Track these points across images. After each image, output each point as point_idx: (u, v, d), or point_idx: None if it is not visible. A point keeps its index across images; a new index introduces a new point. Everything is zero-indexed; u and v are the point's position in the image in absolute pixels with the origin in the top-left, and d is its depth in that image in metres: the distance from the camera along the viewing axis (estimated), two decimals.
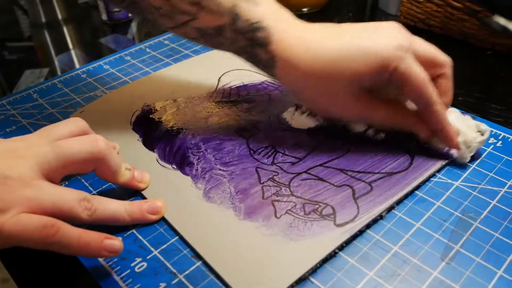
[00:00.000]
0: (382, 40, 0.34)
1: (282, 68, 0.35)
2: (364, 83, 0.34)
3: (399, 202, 0.33)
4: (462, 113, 0.39)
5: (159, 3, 0.36)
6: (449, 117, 0.36)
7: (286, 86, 0.38)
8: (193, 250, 0.31)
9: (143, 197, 0.35)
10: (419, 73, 0.34)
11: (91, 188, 0.36)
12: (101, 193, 0.36)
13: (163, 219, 0.33)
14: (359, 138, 0.39)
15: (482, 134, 0.36)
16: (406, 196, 0.34)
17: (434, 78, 0.36)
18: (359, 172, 0.36)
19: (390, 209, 0.33)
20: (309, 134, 0.40)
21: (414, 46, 0.34)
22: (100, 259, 0.30)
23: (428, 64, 0.35)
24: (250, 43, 0.35)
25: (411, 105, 0.37)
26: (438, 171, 0.36)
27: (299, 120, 0.41)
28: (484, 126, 0.37)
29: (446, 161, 0.36)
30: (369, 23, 0.36)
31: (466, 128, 0.36)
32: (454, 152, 0.36)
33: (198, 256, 0.30)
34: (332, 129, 0.40)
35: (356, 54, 0.33)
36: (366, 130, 0.39)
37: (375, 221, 0.32)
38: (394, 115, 0.37)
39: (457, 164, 0.37)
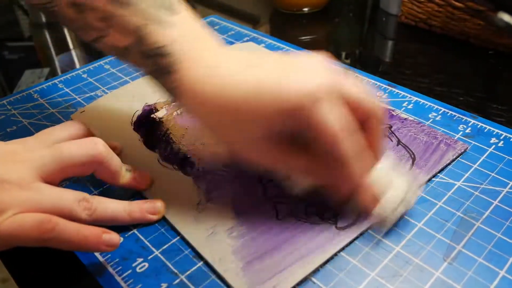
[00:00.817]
0: (298, 80, 0.28)
1: (188, 101, 0.31)
2: (276, 128, 0.29)
3: None
4: (396, 162, 0.34)
5: (73, 16, 0.32)
6: (376, 170, 0.31)
7: (196, 119, 0.32)
8: (194, 250, 0.31)
9: (144, 198, 0.35)
10: (333, 124, 0.28)
11: (91, 188, 0.36)
12: (102, 194, 0.36)
13: (164, 219, 0.33)
14: None
15: (414, 192, 0.32)
16: None
17: (365, 127, 0.31)
18: None
19: None
20: None
21: (341, 88, 0.29)
22: (101, 259, 0.30)
23: (358, 110, 0.30)
24: (156, 68, 0.31)
25: None
26: (441, 171, 0.36)
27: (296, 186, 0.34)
28: (420, 179, 0.33)
29: (449, 160, 0.36)
30: (295, 54, 0.31)
31: (396, 184, 0.31)
32: (368, 218, 0.31)
33: (200, 257, 0.30)
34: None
35: (267, 95, 0.28)
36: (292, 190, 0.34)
37: None
38: (314, 166, 0.31)
39: (460, 164, 0.37)
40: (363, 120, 0.30)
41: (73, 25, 0.34)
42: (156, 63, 0.31)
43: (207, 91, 0.30)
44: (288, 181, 0.34)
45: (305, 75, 0.29)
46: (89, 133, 0.34)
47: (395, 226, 0.31)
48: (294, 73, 0.29)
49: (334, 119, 0.28)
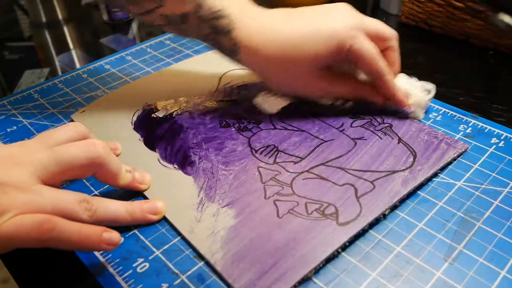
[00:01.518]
0: (336, 22, 0.38)
1: (245, 54, 0.38)
2: (324, 63, 0.39)
3: (402, 200, 0.33)
4: (410, 77, 0.43)
5: None
6: (398, 82, 0.41)
7: (252, 70, 0.41)
8: (195, 250, 0.31)
9: (145, 198, 0.35)
10: (370, 49, 0.38)
11: (92, 188, 0.36)
12: (102, 194, 0.36)
13: (164, 219, 0.33)
14: (360, 136, 0.39)
15: (429, 92, 0.42)
16: (409, 195, 0.34)
17: (383, 51, 0.40)
18: (361, 170, 0.35)
19: (393, 208, 0.33)
20: (311, 133, 0.40)
21: (364, 25, 0.39)
22: (102, 259, 0.30)
23: (377, 38, 0.39)
24: (213, 30, 0.38)
25: (364, 77, 0.42)
26: (442, 169, 0.36)
27: (270, 102, 0.43)
28: (429, 85, 0.42)
29: (450, 158, 0.36)
30: (321, 6, 0.40)
31: (414, 90, 0.42)
32: (408, 110, 0.41)
33: (200, 257, 0.30)
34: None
35: (314, 37, 0.37)
36: (333, 103, 0.43)
37: (377, 220, 0.32)
38: (353, 88, 0.41)
39: (460, 164, 0.37)
40: (383, 45, 0.40)
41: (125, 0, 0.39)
42: (213, 26, 0.38)
43: (260, 45, 0.38)
44: (335, 102, 0.43)
45: (340, 18, 0.38)
46: (89, 135, 0.34)
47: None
48: (331, 18, 0.38)
49: (369, 47, 0.38)
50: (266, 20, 0.39)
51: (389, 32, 0.40)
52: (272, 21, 0.38)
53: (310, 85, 0.41)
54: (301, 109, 0.43)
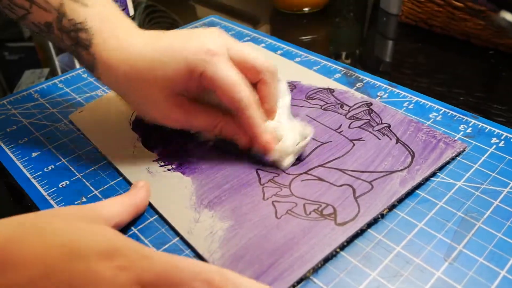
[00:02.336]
0: (192, 44, 0.34)
1: (103, 70, 0.35)
2: (177, 88, 0.35)
3: (401, 200, 0.33)
4: (291, 116, 0.38)
5: None
6: (273, 121, 0.36)
7: (111, 88, 0.38)
8: (194, 250, 0.30)
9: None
10: (228, 76, 0.34)
11: (92, 188, 0.36)
12: (102, 194, 0.36)
13: (163, 219, 0.33)
14: (358, 137, 0.39)
15: (304, 138, 0.36)
16: (407, 195, 0.34)
17: (255, 84, 0.36)
18: (359, 171, 0.35)
19: (391, 207, 0.33)
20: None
21: (230, 50, 0.35)
22: None
23: (246, 69, 0.35)
24: (74, 43, 0.35)
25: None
26: (440, 169, 0.36)
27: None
28: (307, 130, 0.36)
29: (448, 158, 0.36)
30: (192, 29, 0.36)
31: (290, 133, 0.36)
32: (269, 157, 0.36)
33: (199, 257, 0.30)
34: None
35: (166, 58, 0.34)
36: (206, 139, 0.39)
37: (376, 220, 0.32)
38: (214, 122, 0.37)
39: (460, 164, 0.37)
40: (255, 77, 0.35)
41: (0, 4, 0.37)
42: (74, 38, 0.35)
43: (116, 61, 0.34)
44: (198, 134, 0.39)
45: (199, 41, 0.34)
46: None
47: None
48: (189, 41, 0.34)
49: (228, 73, 0.34)
50: (129, 38, 0.35)
51: (260, 64, 0.35)
52: (135, 40, 0.35)
53: (164, 112, 0.36)
54: (299, 112, 0.43)
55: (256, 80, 0.36)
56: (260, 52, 0.37)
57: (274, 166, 0.36)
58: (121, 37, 0.35)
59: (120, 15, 0.37)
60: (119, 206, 0.31)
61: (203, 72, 0.33)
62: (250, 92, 0.34)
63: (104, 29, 0.35)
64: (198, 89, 0.35)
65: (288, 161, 0.36)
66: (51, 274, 0.22)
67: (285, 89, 0.38)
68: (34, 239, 0.23)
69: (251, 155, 0.37)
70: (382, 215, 0.32)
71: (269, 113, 0.36)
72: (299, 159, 0.37)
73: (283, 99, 0.38)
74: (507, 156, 0.37)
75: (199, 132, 0.39)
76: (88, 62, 0.36)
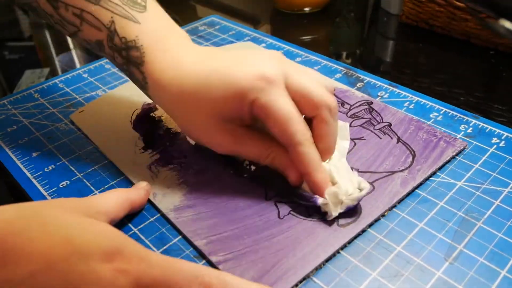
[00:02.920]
0: (246, 68, 0.31)
1: (154, 89, 0.34)
2: (224, 113, 0.32)
3: (400, 200, 0.33)
4: (351, 168, 0.35)
5: (50, 11, 0.35)
6: (330, 164, 0.33)
7: (162, 108, 0.35)
8: (196, 249, 0.30)
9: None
10: (281, 108, 0.30)
11: (92, 188, 0.36)
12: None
13: (165, 218, 0.33)
14: (359, 136, 0.39)
15: (360, 191, 0.32)
16: (408, 195, 0.34)
17: (313, 120, 0.32)
18: (361, 172, 0.35)
19: (392, 207, 0.33)
20: None
21: (288, 80, 0.31)
22: None
23: (304, 101, 0.32)
24: (126, 61, 0.34)
25: None
26: (440, 169, 0.36)
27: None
28: (364, 184, 0.32)
29: (449, 157, 0.36)
30: (251, 49, 0.34)
31: (345, 180, 0.32)
32: (319, 200, 0.31)
33: (201, 256, 0.30)
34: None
35: (215, 81, 0.31)
36: (249, 165, 0.36)
37: (377, 220, 0.32)
38: (266, 152, 0.33)
39: (461, 164, 0.37)
40: (312, 112, 0.32)
41: (52, 20, 0.36)
42: (126, 56, 0.34)
43: (168, 80, 0.33)
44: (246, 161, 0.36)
45: (254, 64, 0.31)
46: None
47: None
48: (244, 63, 0.32)
49: (283, 102, 0.31)
50: (181, 56, 0.33)
51: (319, 98, 0.31)
52: (187, 58, 0.33)
53: (212, 136, 0.34)
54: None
55: (313, 115, 0.32)
56: (322, 82, 0.33)
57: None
58: (174, 56, 0.33)
59: (173, 29, 0.35)
60: (115, 201, 0.31)
61: (255, 100, 0.31)
62: (305, 127, 0.31)
63: (156, 47, 0.33)
64: (249, 117, 0.32)
65: (337, 209, 0.31)
66: (52, 270, 0.22)
67: (345, 133, 0.36)
68: (37, 233, 0.23)
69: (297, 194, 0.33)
70: (383, 216, 0.32)
71: (324, 154, 0.33)
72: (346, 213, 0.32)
73: (342, 143, 0.35)
74: (507, 156, 0.37)
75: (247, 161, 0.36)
76: (140, 81, 0.35)
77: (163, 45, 0.34)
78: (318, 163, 0.32)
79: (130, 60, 0.34)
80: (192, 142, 0.39)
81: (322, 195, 0.31)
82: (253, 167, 0.36)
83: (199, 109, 0.32)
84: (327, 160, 0.33)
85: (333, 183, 0.32)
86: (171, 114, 0.35)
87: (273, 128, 0.31)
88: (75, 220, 0.25)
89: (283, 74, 0.31)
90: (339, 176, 0.32)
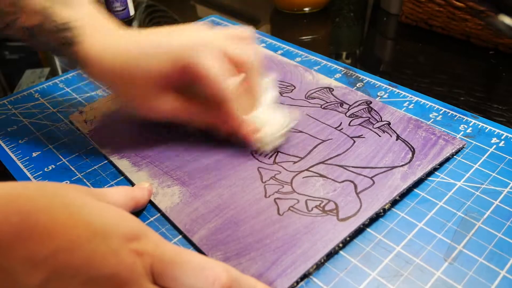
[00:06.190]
0: (179, 38, 0.35)
1: (91, 67, 0.36)
2: (162, 80, 0.36)
3: (400, 198, 0.33)
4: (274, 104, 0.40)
5: None
6: (258, 112, 0.38)
7: (100, 84, 0.39)
8: (197, 248, 0.31)
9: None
10: (211, 68, 0.34)
11: (92, 188, 0.36)
12: None
13: (165, 218, 0.33)
14: (359, 134, 0.39)
15: (286, 127, 0.38)
16: (407, 194, 0.34)
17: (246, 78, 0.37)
18: (360, 167, 0.36)
19: (393, 203, 0.33)
20: (310, 134, 0.40)
21: (221, 46, 0.36)
22: None
23: (232, 63, 0.36)
24: (62, 41, 0.36)
25: None
26: (440, 165, 0.36)
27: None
28: (288, 120, 0.38)
29: (448, 154, 0.36)
30: (177, 26, 0.37)
31: (269, 123, 0.37)
32: (250, 147, 0.38)
33: (202, 254, 0.30)
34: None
35: (151, 52, 0.35)
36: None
37: (376, 220, 0.32)
38: (197, 112, 0.38)
39: (460, 164, 0.37)
40: (240, 72, 0.36)
41: None
42: (62, 37, 0.36)
43: (104, 57, 0.35)
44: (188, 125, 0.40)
45: (187, 35, 0.36)
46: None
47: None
48: (177, 35, 0.36)
49: (211, 65, 0.34)
50: (115, 35, 0.36)
51: (240, 58, 0.36)
52: (121, 37, 0.36)
53: (150, 104, 0.37)
54: (299, 111, 0.43)
55: (239, 73, 0.37)
56: (250, 47, 0.37)
57: (276, 164, 0.37)
58: (108, 35, 0.36)
59: (103, 15, 0.38)
60: (123, 197, 0.32)
61: (187, 64, 0.35)
62: (233, 84, 0.35)
63: (90, 28, 0.36)
64: (179, 81, 0.36)
65: (267, 149, 0.38)
66: (74, 250, 0.22)
67: (269, 85, 0.40)
68: (60, 212, 0.23)
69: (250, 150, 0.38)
70: (383, 210, 0.32)
71: (250, 105, 0.38)
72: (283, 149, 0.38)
73: (267, 94, 0.39)
74: (507, 156, 0.37)
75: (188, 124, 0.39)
76: (78, 60, 0.36)
77: (97, 27, 0.37)
78: (242, 117, 0.37)
79: (66, 41, 0.36)
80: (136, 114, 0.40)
81: (252, 145, 0.37)
82: (191, 138, 0.40)
83: (136, 80, 0.36)
84: (255, 110, 0.38)
85: (259, 130, 0.37)
86: (111, 88, 0.38)
87: (204, 87, 0.35)
88: (95, 203, 0.26)
89: (212, 40, 0.36)
90: (264, 121, 0.37)
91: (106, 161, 0.39)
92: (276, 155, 0.38)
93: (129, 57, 0.35)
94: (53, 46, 0.37)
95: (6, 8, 0.36)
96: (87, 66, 0.36)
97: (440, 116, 0.42)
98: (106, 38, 0.36)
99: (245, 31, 0.38)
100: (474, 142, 0.39)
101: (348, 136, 0.39)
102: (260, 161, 0.37)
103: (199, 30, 0.37)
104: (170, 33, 0.36)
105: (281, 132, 0.38)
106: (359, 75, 0.49)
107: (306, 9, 0.68)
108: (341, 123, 0.41)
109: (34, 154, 0.40)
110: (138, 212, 0.34)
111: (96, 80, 0.37)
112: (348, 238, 0.30)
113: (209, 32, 0.37)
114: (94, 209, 0.25)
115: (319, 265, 0.29)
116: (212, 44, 0.35)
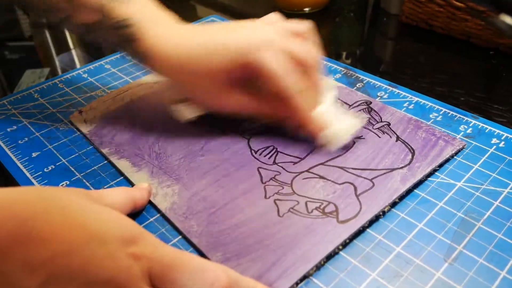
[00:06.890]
0: (243, 35, 0.35)
1: (155, 62, 0.36)
2: (223, 77, 0.36)
3: (401, 199, 0.33)
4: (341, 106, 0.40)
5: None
6: (323, 110, 0.37)
7: (165, 78, 0.39)
8: (196, 249, 0.31)
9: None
10: (275, 66, 0.34)
11: (92, 188, 0.36)
12: None
13: (165, 218, 0.33)
14: (358, 135, 0.39)
15: (354, 127, 0.38)
16: (407, 194, 0.34)
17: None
18: (360, 169, 0.35)
19: (392, 205, 0.33)
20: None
21: (286, 45, 0.35)
22: None
23: (300, 62, 0.36)
24: (122, 38, 0.36)
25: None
26: (440, 167, 0.36)
27: (186, 111, 0.41)
28: (356, 120, 0.38)
29: (448, 155, 0.36)
30: (248, 21, 0.37)
31: (338, 121, 0.37)
32: (317, 142, 0.38)
33: (202, 255, 0.30)
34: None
35: (213, 49, 0.35)
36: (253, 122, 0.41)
37: (377, 220, 0.32)
38: (265, 108, 0.38)
39: (460, 165, 0.37)
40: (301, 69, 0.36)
41: (41, 7, 0.38)
42: (122, 34, 0.36)
43: (168, 52, 0.36)
44: (250, 120, 0.41)
45: (251, 32, 0.36)
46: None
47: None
48: (241, 32, 0.36)
49: (275, 62, 0.35)
50: (176, 30, 0.37)
51: (300, 56, 0.36)
52: (183, 32, 0.37)
53: (215, 99, 0.38)
54: None
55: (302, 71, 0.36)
56: (311, 44, 0.38)
57: (276, 165, 0.37)
58: (170, 30, 0.36)
59: (161, 9, 0.38)
60: (122, 198, 0.32)
61: (252, 61, 0.35)
62: (296, 81, 0.35)
63: (151, 24, 0.36)
64: (243, 77, 0.36)
65: (332, 147, 0.37)
66: (72, 254, 0.22)
67: (330, 84, 0.40)
68: (58, 216, 0.23)
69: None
70: (383, 213, 0.32)
71: (313, 100, 0.37)
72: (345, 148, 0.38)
73: (328, 93, 0.39)
74: (507, 157, 0.37)
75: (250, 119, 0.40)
76: (140, 56, 0.37)
77: (156, 21, 0.37)
78: (310, 113, 0.37)
79: (126, 37, 0.36)
80: (184, 118, 0.41)
81: (318, 139, 0.37)
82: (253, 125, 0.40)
83: (200, 76, 0.36)
84: (319, 107, 0.38)
85: (328, 126, 0.37)
86: (176, 83, 0.39)
87: (269, 85, 0.35)
88: (92, 206, 0.26)
89: (275, 36, 0.35)
90: (331, 118, 0.37)
91: (105, 162, 0.39)
92: (276, 155, 0.38)
93: (190, 55, 0.35)
94: (112, 41, 0.37)
95: (60, 4, 0.36)
96: (150, 62, 0.37)
97: (440, 116, 0.42)
98: (167, 34, 0.36)
99: (304, 26, 0.38)
100: (474, 143, 0.39)
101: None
102: (260, 161, 0.37)
103: (257, 27, 0.37)
104: (228, 30, 0.36)
105: (350, 133, 0.37)
106: (359, 75, 0.49)
107: (306, 9, 0.68)
108: None
109: (33, 155, 0.40)
110: (137, 212, 0.34)
111: (160, 74, 0.38)
112: (348, 240, 0.30)
113: (269, 28, 0.37)
114: (91, 213, 0.25)
115: (319, 266, 0.29)
116: (273, 43, 0.35)
